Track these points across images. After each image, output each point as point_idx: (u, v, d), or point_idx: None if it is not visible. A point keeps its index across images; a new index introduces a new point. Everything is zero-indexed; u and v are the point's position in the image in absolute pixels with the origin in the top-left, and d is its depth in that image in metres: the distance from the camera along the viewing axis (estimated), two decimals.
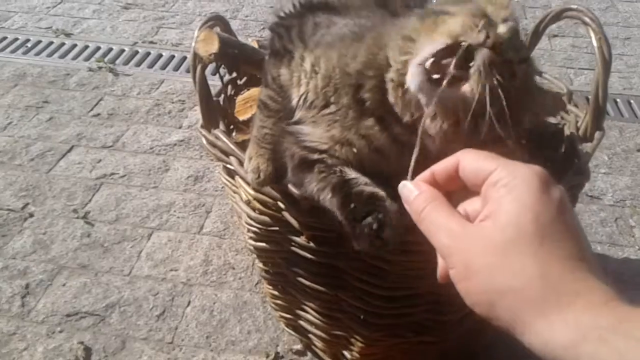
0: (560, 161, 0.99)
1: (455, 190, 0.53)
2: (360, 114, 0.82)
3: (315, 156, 0.86)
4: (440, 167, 0.54)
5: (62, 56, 2.34)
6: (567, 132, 1.04)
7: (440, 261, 0.51)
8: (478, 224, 0.48)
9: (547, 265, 0.43)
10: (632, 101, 2.17)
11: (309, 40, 0.90)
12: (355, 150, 0.84)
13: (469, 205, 0.52)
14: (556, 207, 0.45)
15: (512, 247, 0.44)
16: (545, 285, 0.42)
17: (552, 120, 1.10)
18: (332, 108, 0.85)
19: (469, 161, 0.51)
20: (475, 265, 0.45)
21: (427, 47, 0.69)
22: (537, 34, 1.14)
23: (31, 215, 1.57)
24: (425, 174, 0.55)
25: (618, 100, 2.18)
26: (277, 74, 0.93)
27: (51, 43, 2.42)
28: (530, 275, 0.43)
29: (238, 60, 1.11)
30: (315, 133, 0.87)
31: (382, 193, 0.77)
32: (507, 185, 0.47)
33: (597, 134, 0.99)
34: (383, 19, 0.93)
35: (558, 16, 1.06)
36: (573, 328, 0.40)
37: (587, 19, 0.97)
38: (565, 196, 0.47)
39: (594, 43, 0.94)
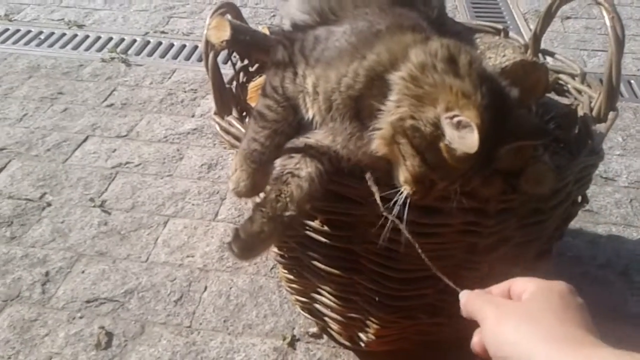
0: (574, 142, 0.99)
1: None
2: (362, 131, 0.86)
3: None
4: (496, 289, 0.62)
5: (75, 47, 2.36)
6: (580, 112, 1.03)
7: (475, 337, 0.59)
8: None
9: (568, 326, 0.52)
10: None
11: (309, 56, 0.91)
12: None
13: None
14: (579, 304, 0.56)
15: (540, 311, 0.54)
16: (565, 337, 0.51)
17: (564, 101, 1.10)
18: (337, 124, 0.89)
19: (518, 283, 0.60)
20: (504, 320, 0.55)
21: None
22: (549, 15, 1.13)
23: (49, 204, 1.60)
24: (483, 290, 0.64)
25: (632, 81, 2.16)
26: (278, 84, 0.93)
27: (64, 35, 2.44)
28: (549, 327, 0.52)
29: (250, 47, 1.12)
30: (318, 134, 0.92)
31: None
32: (539, 285, 0.58)
33: (610, 114, 0.98)
34: (382, 14, 0.94)
35: None
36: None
37: None
38: (585, 306, 0.56)
39: (607, 22, 0.94)
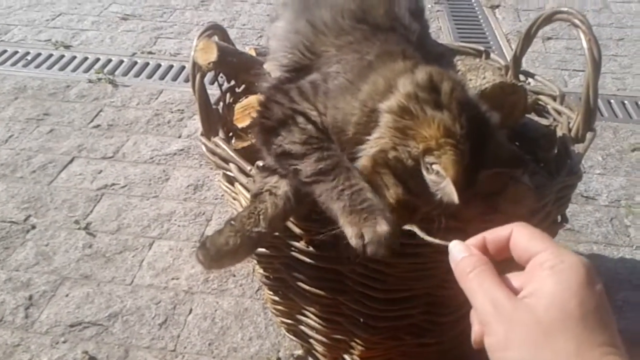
0: (553, 162, 1.01)
1: (502, 261, 0.55)
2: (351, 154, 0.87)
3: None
4: (493, 236, 0.56)
5: (62, 68, 2.37)
6: (559, 133, 1.05)
7: (475, 326, 0.53)
8: (522, 300, 0.50)
9: (584, 348, 0.46)
10: (626, 102, 2.19)
11: (316, 102, 0.89)
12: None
13: (512, 279, 0.53)
14: (599, 297, 0.48)
15: (556, 327, 0.47)
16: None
17: (544, 122, 1.12)
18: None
19: (522, 238, 0.53)
20: (517, 338, 0.47)
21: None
22: (529, 36, 1.16)
23: (33, 227, 1.59)
24: (478, 238, 0.57)
25: (612, 101, 2.20)
26: (303, 137, 0.86)
27: (51, 55, 2.45)
28: (568, 354, 0.45)
29: (237, 68, 1.13)
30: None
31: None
32: (553, 268, 0.49)
33: (588, 135, 1.00)
34: (368, 43, 0.95)
35: (549, 19, 1.08)
36: None
37: (576, 21, 0.99)
38: (604, 290, 0.49)
39: (584, 44, 0.96)
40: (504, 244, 0.54)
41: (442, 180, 0.75)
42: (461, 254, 0.55)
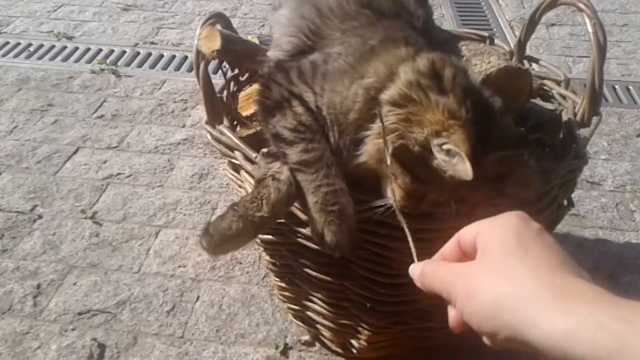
0: (559, 146, 1.01)
1: None
2: (355, 144, 0.88)
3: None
4: (447, 248, 0.59)
5: (65, 59, 2.37)
6: (564, 118, 1.05)
7: (450, 312, 0.55)
8: (471, 261, 0.53)
9: (536, 269, 0.47)
10: (630, 87, 2.19)
11: (314, 84, 0.91)
12: None
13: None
14: (536, 232, 0.51)
15: (501, 261, 0.49)
16: (539, 284, 0.46)
17: (549, 106, 1.12)
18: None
19: (465, 233, 0.56)
20: (474, 286, 0.49)
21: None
22: (533, 22, 1.16)
23: (40, 216, 1.60)
24: (435, 257, 0.60)
25: (617, 86, 2.20)
26: (296, 122, 0.89)
27: (53, 47, 2.45)
28: (523, 278, 0.47)
29: (240, 56, 1.13)
30: None
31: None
32: (489, 227, 0.53)
33: (594, 119, 1.00)
34: (372, 28, 0.95)
35: (553, 4, 1.08)
36: (570, 317, 0.43)
37: (581, 5, 0.98)
38: (544, 229, 0.52)
39: (589, 28, 0.96)
40: (458, 249, 0.57)
41: (454, 158, 0.75)
42: (419, 266, 0.59)
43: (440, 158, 0.77)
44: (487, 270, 0.50)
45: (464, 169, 0.73)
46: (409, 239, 0.72)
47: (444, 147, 0.75)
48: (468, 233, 0.55)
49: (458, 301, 0.51)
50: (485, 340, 0.50)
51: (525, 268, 0.47)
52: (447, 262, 0.57)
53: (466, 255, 0.56)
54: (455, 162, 0.75)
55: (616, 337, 0.40)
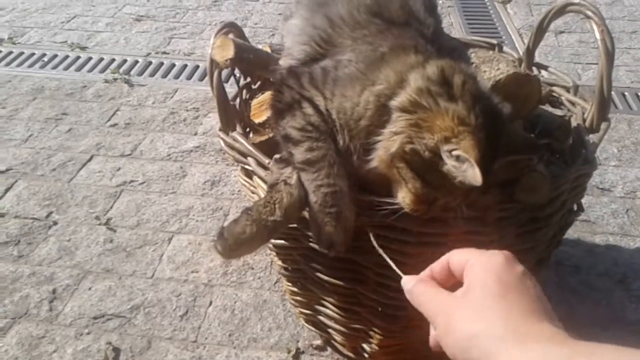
0: (569, 152, 1.02)
1: (452, 286, 0.62)
2: (366, 149, 0.90)
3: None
4: (437, 266, 0.63)
5: (78, 69, 2.41)
6: (573, 123, 1.06)
7: (432, 332, 0.60)
8: (456, 294, 0.58)
9: (508, 313, 0.53)
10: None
11: (324, 90, 0.93)
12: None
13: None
14: (518, 276, 0.56)
15: (481, 302, 0.54)
16: (507, 326, 0.52)
17: (558, 113, 1.13)
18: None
19: (455, 256, 0.61)
20: (452, 324, 0.55)
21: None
22: (541, 28, 1.17)
23: (55, 223, 1.62)
24: (425, 272, 0.65)
25: (626, 93, 2.20)
26: (304, 122, 0.91)
27: (67, 57, 2.49)
28: (495, 319, 0.53)
29: (253, 64, 1.15)
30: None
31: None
32: (477, 262, 0.58)
33: (603, 125, 1.01)
34: (382, 36, 0.97)
35: (561, 11, 1.09)
36: (525, 353, 0.49)
37: (589, 12, 0.99)
38: (528, 272, 0.57)
39: (597, 35, 0.97)
40: (447, 270, 0.62)
41: (463, 164, 0.76)
42: (411, 283, 0.63)
43: (450, 164, 0.78)
44: (466, 309, 0.55)
45: (473, 174, 0.74)
46: (388, 260, 0.81)
47: (454, 153, 0.77)
48: (458, 260, 0.60)
49: (438, 330, 0.57)
50: None
51: (499, 312, 0.53)
52: (435, 286, 0.61)
53: (453, 277, 0.61)
54: (464, 168, 0.76)
55: None
